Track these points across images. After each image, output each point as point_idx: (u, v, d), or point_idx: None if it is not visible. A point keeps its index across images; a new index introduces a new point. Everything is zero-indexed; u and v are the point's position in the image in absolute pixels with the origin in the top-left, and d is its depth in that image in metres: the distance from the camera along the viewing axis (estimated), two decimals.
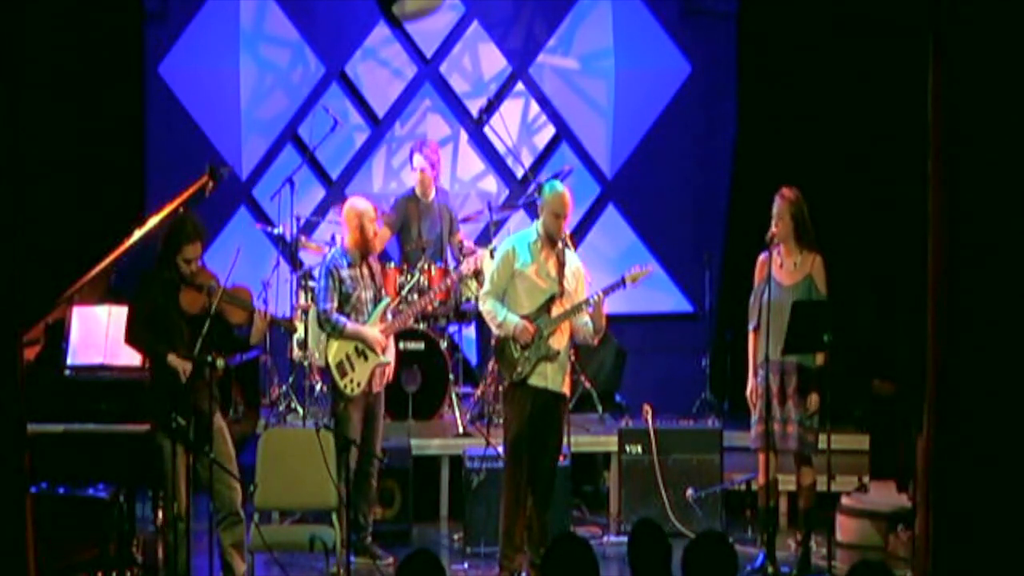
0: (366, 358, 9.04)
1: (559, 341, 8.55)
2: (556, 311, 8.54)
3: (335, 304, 9.03)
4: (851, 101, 11.35)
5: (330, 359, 9.03)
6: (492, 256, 9.63)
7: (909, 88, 7.49)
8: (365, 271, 9.14)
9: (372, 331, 9.04)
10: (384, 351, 9.09)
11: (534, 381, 8.52)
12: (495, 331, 8.61)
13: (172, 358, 8.07)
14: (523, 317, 8.51)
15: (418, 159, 11.09)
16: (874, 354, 9.75)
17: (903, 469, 9.42)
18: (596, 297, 8.52)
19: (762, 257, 8.92)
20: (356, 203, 9.21)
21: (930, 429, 5.97)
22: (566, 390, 8.68)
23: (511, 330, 8.49)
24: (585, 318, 8.58)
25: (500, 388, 9.13)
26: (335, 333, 9.02)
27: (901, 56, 9.96)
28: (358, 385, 9.02)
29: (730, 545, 5.86)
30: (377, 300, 9.17)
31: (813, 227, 8.89)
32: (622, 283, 8.61)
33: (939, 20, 5.90)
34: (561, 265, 8.59)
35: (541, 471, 8.57)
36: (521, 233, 8.86)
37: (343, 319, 9.02)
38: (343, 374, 9.01)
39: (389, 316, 9.20)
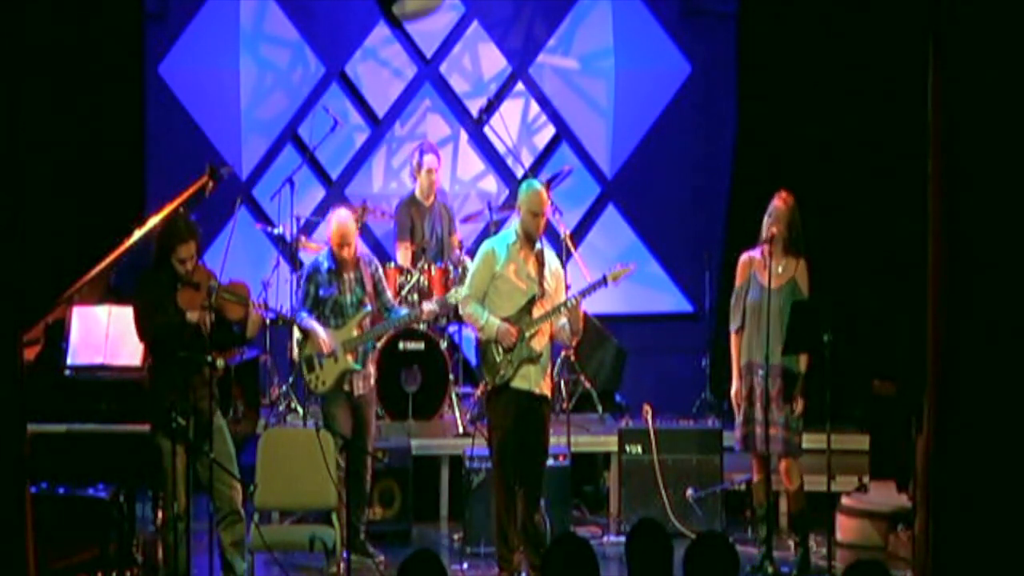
0: (335, 360, 9.05)
1: (540, 342, 8.54)
2: (537, 312, 8.52)
3: (307, 306, 9.13)
4: (851, 101, 11.35)
5: (303, 354, 9.10)
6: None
7: (909, 88, 7.50)
8: (348, 275, 9.14)
9: (322, 332, 9.04)
10: (341, 355, 9.05)
11: (517, 384, 8.50)
12: (478, 334, 8.59)
13: (191, 314, 8.08)
14: (504, 319, 8.48)
15: (430, 159, 11.09)
16: (874, 354, 9.76)
17: (903, 469, 9.42)
18: (573, 300, 8.50)
19: (743, 258, 8.97)
20: (338, 219, 9.18)
21: (930, 429, 5.97)
22: (547, 391, 8.66)
23: (493, 333, 8.46)
24: (563, 320, 8.56)
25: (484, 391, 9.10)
26: (299, 329, 9.18)
27: (901, 56, 9.96)
28: (323, 383, 9.06)
29: (731, 546, 5.86)
30: (360, 306, 9.16)
31: (806, 230, 8.93)
32: (603, 282, 8.58)
33: (939, 20, 5.90)
34: (541, 266, 8.56)
35: (528, 473, 8.56)
36: (500, 235, 8.85)
37: (303, 316, 9.09)
38: (310, 369, 9.10)
39: (367, 325, 9.19)
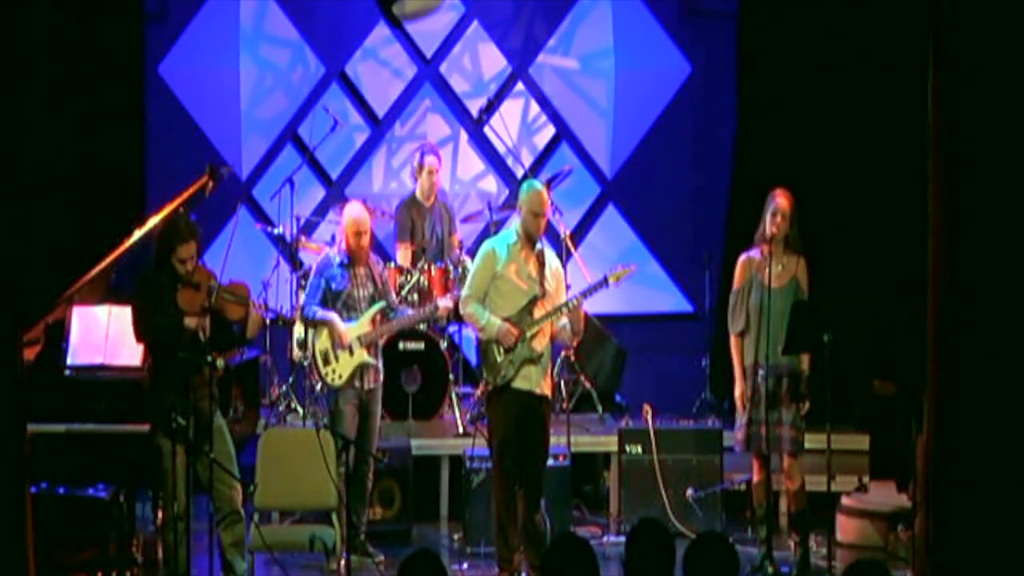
0: (351, 353, 9.06)
1: (541, 343, 8.53)
2: (538, 313, 8.51)
3: (318, 300, 9.12)
4: (851, 100, 11.35)
5: (317, 348, 9.08)
6: None
7: (909, 87, 7.50)
8: (362, 270, 9.18)
9: (340, 324, 9.06)
10: (357, 348, 9.08)
11: (518, 384, 8.48)
12: (478, 334, 8.59)
13: (188, 320, 8.08)
14: (505, 319, 8.48)
15: (431, 160, 11.07)
16: (874, 354, 9.76)
17: (903, 469, 9.42)
18: (574, 301, 8.49)
19: (742, 259, 8.96)
20: (350, 211, 9.27)
21: (930, 429, 5.97)
22: (548, 391, 8.65)
23: (494, 333, 8.45)
24: (564, 320, 8.55)
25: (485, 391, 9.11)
26: (308, 322, 9.20)
27: (901, 55, 9.96)
28: (339, 376, 9.07)
29: (731, 545, 5.86)
30: (374, 300, 9.19)
31: (806, 229, 8.95)
32: (604, 283, 8.57)
33: (939, 21, 5.90)
34: (542, 266, 8.56)
35: (529, 473, 8.55)
36: (501, 234, 8.85)
37: (315, 309, 9.09)
38: (326, 363, 9.09)
39: (378, 320, 9.22)
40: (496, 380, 8.49)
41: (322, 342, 9.12)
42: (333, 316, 9.10)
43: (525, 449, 8.52)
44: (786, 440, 8.82)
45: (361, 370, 9.12)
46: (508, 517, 8.54)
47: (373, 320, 9.18)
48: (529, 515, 8.54)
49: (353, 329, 9.10)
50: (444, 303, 9.46)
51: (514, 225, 8.68)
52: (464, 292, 8.67)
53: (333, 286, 9.15)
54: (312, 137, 11.88)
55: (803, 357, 8.84)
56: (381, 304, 9.21)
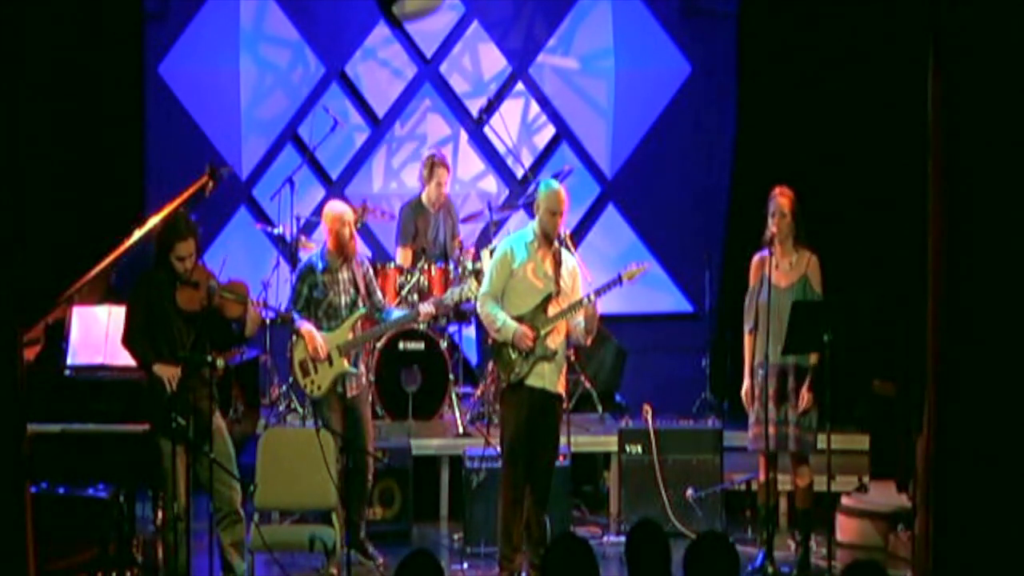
0: (330, 363, 8.99)
1: (555, 340, 8.54)
2: (552, 310, 8.53)
3: (299, 307, 9.05)
4: (851, 100, 11.35)
5: (295, 358, 9.02)
6: (492, 255, 9.61)
7: (909, 87, 7.50)
8: (343, 276, 9.09)
9: (317, 335, 8.94)
10: (336, 358, 8.95)
11: (532, 382, 8.50)
12: (494, 335, 8.59)
13: (157, 367, 8.08)
14: (519, 316, 8.49)
15: (442, 172, 10.97)
16: (874, 354, 9.76)
17: (903, 469, 9.42)
18: (589, 298, 8.50)
19: (757, 258, 8.96)
20: (332, 207, 9.19)
21: (930, 429, 5.97)
22: (562, 390, 8.66)
23: (510, 337, 8.46)
24: (579, 318, 8.56)
25: (498, 388, 9.11)
26: (291, 328, 9.09)
27: (901, 56, 9.97)
28: (318, 388, 8.98)
29: (731, 545, 5.86)
30: (354, 307, 9.13)
31: (807, 226, 8.94)
32: (619, 281, 8.59)
33: (939, 21, 5.90)
34: (557, 264, 8.58)
35: (539, 471, 8.56)
36: (518, 233, 8.85)
37: (297, 319, 9.03)
38: (305, 374, 9.00)
39: (359, 328, 9.12)
40: (510, 377, 8.50)
41: (299, 352, 9.00)
42: (309, 328, 9.00)
43: (536, 447, 8.52)
44: (792, 439, 8.80)
45: (342, 379, 9.03)
46: (514, 516, 8.54)
47: (353, 328, 9.09)
48: (535, 514, 8.55)
49: (332, 338, 9.02)
50: (426, 308, 9.31)
51: (531, 224, 8.71)
52: (482, 290, 8.69)
53: (315, 293, 9.06)
54: (312, 137, 11.89)
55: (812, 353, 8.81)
56: (361, 311, 9.09)
